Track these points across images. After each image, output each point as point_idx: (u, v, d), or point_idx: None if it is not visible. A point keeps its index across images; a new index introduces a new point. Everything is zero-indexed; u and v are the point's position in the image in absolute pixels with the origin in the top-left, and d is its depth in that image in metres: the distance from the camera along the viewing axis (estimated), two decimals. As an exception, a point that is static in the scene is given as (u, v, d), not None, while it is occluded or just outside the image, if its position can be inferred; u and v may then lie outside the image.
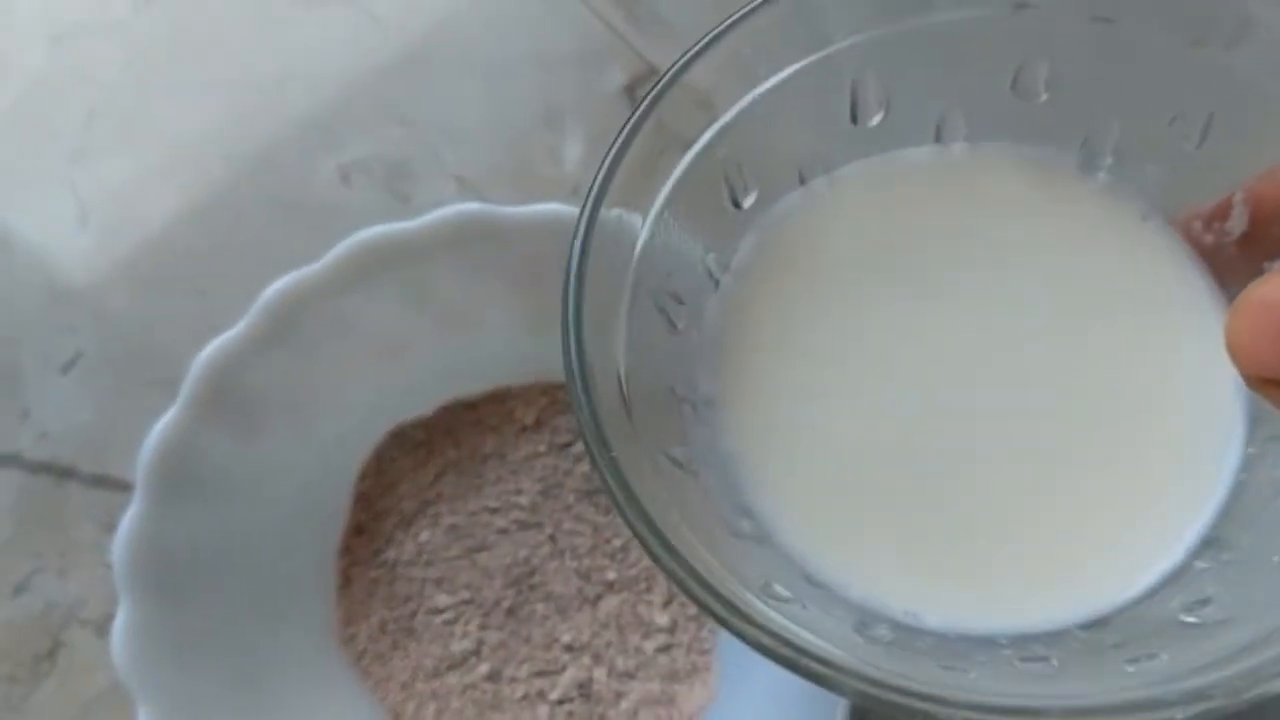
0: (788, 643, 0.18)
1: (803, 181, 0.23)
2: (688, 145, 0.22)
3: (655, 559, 0.18)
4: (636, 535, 0.18)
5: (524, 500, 0.30)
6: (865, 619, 0.21)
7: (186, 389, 0.27)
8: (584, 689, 0.29)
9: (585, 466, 0.30)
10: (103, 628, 0.32)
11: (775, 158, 0.23)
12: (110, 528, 0.33)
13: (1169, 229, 0.22)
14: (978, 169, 0.23)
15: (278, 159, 0.37)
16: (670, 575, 0.18)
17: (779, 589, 0.21)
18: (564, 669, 0.29)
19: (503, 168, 0.36)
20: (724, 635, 0.29)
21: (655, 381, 0.22)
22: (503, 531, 0.30)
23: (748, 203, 0.23)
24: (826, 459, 0.22)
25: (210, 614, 0.27)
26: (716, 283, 0.23)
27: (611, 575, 0.29)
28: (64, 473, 0.34)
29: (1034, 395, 0.22)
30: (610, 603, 0.29)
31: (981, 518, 0.21)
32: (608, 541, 0.30)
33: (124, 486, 0.34)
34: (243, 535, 0.28)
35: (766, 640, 0.18)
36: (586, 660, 0.29)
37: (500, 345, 0.30)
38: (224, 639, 0.27)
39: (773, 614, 0.19)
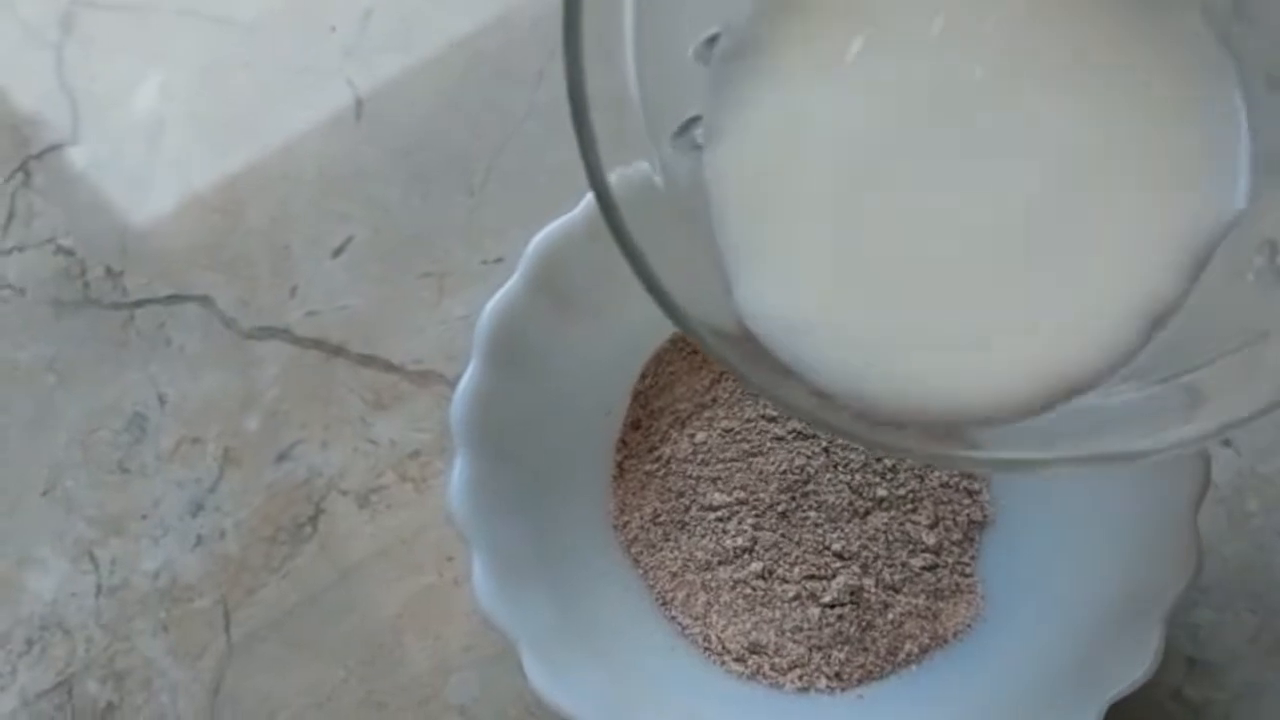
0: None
1: None
2: None
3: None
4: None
5: (800, 412, 0.31)
6: None
7: (523, 265, 0.28)
8: (854, 595, 0.30)
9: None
10: (364, 499, 0.34)
11: None
12: (377, 406, 0.34)
13: None
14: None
15: (551, 72, 0.38)
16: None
17: None
18: (835, 575, 0.30)
19: (767, 104, 0.37)
20: (985, 559, 0.30)
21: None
22: (779, 439, 0.31)
23: None
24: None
25: (518, 479, 0.28)
26: None
27: (881, 492, 0.31)
28: (333, 350, 0.35)
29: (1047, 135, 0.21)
30: (879, 518, 0.30)
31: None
32: (879, 460, 0.31)
33: (391, 368, 0.35)
34: (546, 412, 0.29)
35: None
36: (856, 569, 0.30)
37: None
38: (527, 503, 0.29)
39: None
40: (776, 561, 0.30)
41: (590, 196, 0.29)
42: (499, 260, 0.36)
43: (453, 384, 0.34)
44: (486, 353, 0.28)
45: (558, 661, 0.26)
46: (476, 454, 0.27)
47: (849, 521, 0.30)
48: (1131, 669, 0.25)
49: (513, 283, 0.28)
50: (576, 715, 0.26)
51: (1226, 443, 0.33)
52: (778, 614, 0.30)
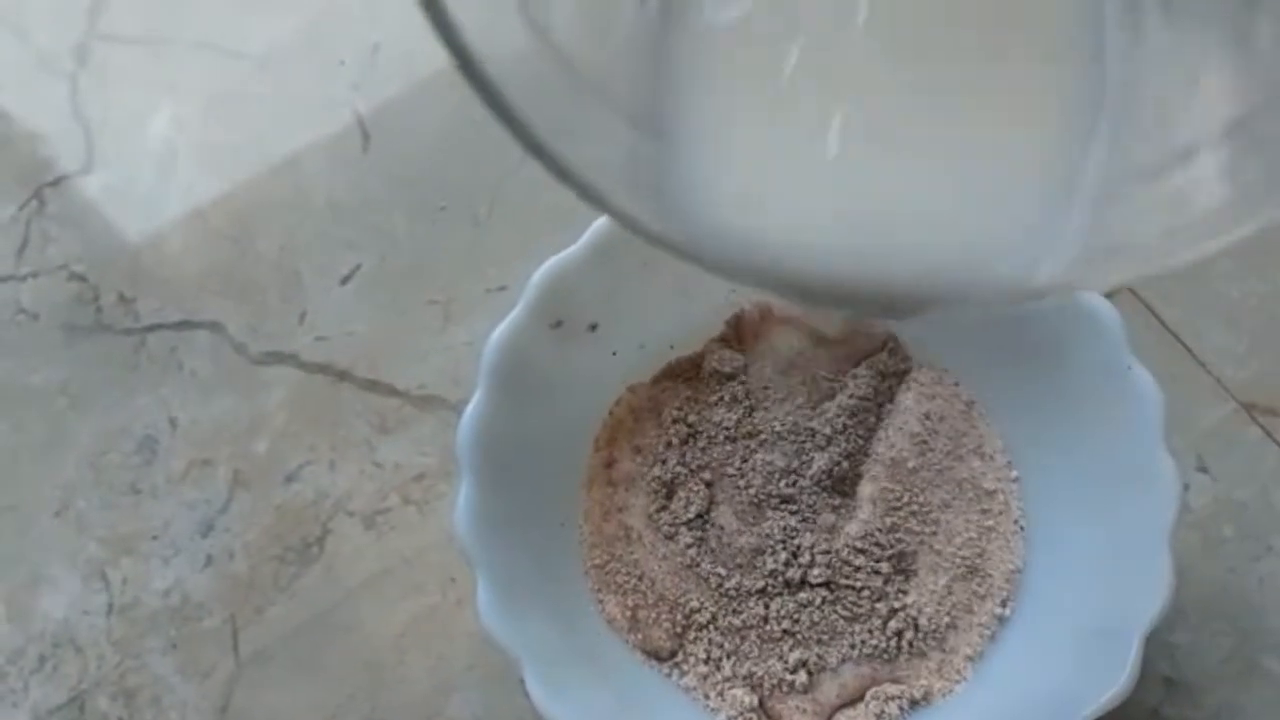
0: None
1: None
2: None
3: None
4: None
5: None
6: None
7: (527, 295, 0.29)
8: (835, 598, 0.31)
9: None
10: (370, 520, 0.35)
11: None
12: (382, 430, 0.35)
13: None
14: None
15: (552, 108, 0.39)
16: None
17: None
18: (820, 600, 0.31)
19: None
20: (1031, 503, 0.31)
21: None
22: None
23: None
24: None
25: (520, 502, 0.29)
26: None
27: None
28: (340, 375, 0.36)
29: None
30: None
31: None
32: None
33: (396, 393, 0.36)
34: (547, 437, 0.31)
35: None
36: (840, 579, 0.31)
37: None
38: (529, 526, 0.30)
39: None
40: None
41: (594, 227, 0.30)
42: (502, 289, 0.37)
43: (456, 409, 0.35)
44: (492, 380, 0.29)
45: (560, 681, 0.26)
46: (481, 478, 0.28)
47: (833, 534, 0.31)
48: (1107, 688, 0.26)
49: (517, 312, 0.29)
50: (578, 733, 0.27)
51: (1203, 469, 0.34)
52: (781, 646, 0.31)
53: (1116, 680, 0.26)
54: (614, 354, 0.32)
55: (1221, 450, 0.34)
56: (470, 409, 0.28)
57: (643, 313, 0.32)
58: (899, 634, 0.29)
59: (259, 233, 0.38)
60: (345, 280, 0.38)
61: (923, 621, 0.29)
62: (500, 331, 0.29)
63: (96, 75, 0.41)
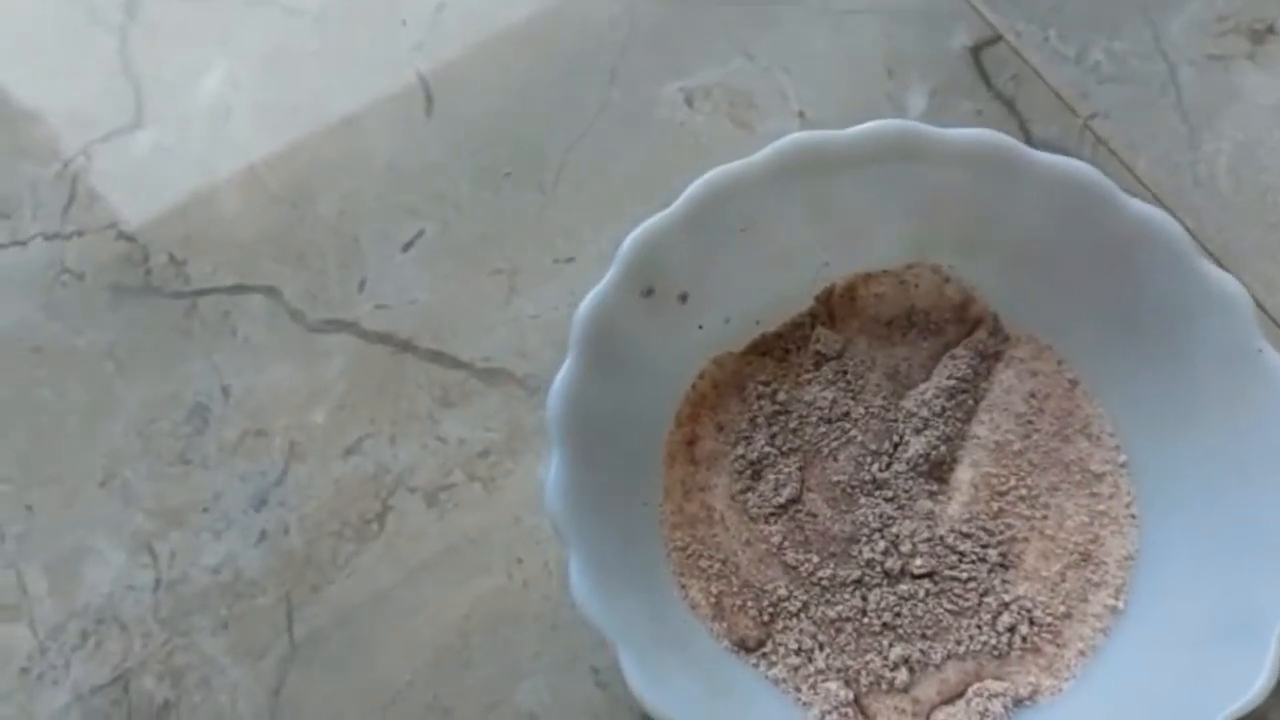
0: None
1: None
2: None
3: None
4: None
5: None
6: None
7: (618, 263, 0.28)
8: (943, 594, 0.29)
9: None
10: (432, 497, 0.33)
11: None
12: (445, 403, 0.34)
13: None
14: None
15: (624, 70, 0.37)
16: None
17: None
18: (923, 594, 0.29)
19: (844, 109, 0.37)
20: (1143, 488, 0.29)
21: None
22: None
23: None
24: None
25: (608, 477, 0.28)
26: None
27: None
28: (402, 345, 0.35)
29: None
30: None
31: None
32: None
33: (460, 365, 0.34)
34: (635, 409, 0.29)
35: None
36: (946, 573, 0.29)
37: (876, 270, 0.31)
38: (616, 503, 0.28)
39: None
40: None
41: (688, 193, 0.28)
42: (570, 260, 0.35)
43: (523, 382, 0.34)
44: (582, 349, 0.27)
45: (655, 666, 0.25)
46: (571, 451, 0.26)
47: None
48: (1240, 693, 0.24)
49: (609, 278, 0.27)
50: (672, 720, 0.25)
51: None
52: (881, 641, 0.29)
53: (1250, 685, 0.24)
54: (700, 327, 0.30)
55: (1326, 444, 0.33)
56: (560, 379, 0.27)
57: (733, 284, 0.30)
58: (1012, 629, 0.28)
59: (316, 196, 0.37)
60: (407, 247, 0.36)
61: (1038, 614, 0.28)
62: (591, 299, 0.27)
63: (147, 29, 0.39)
